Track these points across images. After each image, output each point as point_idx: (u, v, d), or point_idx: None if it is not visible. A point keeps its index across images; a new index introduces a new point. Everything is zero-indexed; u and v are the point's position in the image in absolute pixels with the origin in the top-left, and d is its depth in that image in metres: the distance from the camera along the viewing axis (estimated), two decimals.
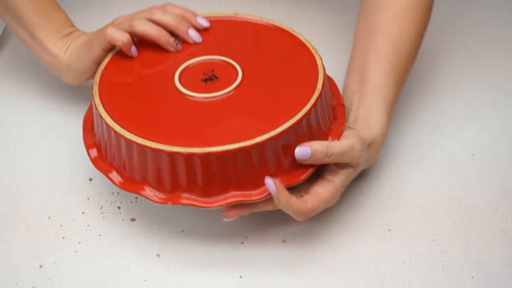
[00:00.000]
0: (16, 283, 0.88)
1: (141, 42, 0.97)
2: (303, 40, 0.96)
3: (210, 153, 0.83)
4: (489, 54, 1.13)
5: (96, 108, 0.90)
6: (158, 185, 0.87)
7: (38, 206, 0.95)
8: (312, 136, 0.88)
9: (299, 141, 0.86)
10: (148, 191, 0.87)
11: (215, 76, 0.92)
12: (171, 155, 0.84)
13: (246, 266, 0.90)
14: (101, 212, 0.95)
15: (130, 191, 0.87)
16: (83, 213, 0.94)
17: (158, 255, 0.91)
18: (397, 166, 0.99)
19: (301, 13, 1.19)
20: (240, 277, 0.89)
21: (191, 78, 0.92)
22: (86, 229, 0.93)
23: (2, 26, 1.13)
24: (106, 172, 0.89)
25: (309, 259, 0.90)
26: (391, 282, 0.88)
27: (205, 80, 0.92)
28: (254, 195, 0.86)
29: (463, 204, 0.95)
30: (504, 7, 1.20)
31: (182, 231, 0.93)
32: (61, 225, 0.93)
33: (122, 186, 0.88)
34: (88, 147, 0.92)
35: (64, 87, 1.08)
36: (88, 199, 0.96)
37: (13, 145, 1.02)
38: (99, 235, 0.92)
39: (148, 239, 0.92)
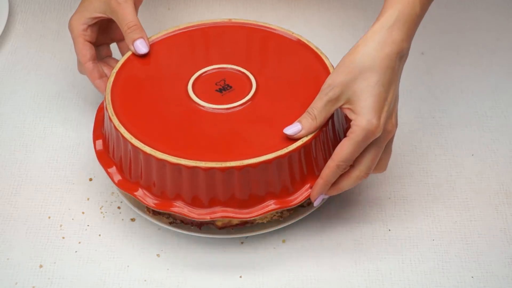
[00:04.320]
0: (16, 283, 0.88)
1: (139, 57, 0.96)
2: (305, 41, 0.97)
3: (248, 165, 0.84)
4: (489, 54, 1.13)
5: (117, 129, 0.88)
6: (194, 201, 0.87)
7: (38, 206, 0.95)
8: (335, 135, 0.90)
9: (326, 144, 0.88)
10: (184, 209, 0.87)
11: (228, 85, 0.92)
12: (207, 170, 0.84)
13: (246, 266, 0.90)
14: (101, 212, 0.95)
15: (165, 210, 0.87)
16: (83, 213, 0.94)
17: (158, 255, 0.91)
18: (397, 166, 0.99)
19: (301, 12, 1.19)
20: (240, 277, 0.89)
21: (205, 89, 0.92)
22: (86, 229, 0.93)
23: (2, 26, 1.13)
24: (132, 191, 0.88)
25: (309, 259, 0.90)
26: (391, 282, 0.88)
27: (220, 91, 0.92)
28: (292, 200, 0.88)
29: (463, 204, 0.95)
30: (504, 7, 1.20)
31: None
32: (61, 225, 0.93)
33: (157, 206, 0.87)
34: (106, 166, 0.91)
35: (64, 87, 1.08)
36: (88, 199, 0.96)
37: (13, 145, 1.02)
38: (99, 235, 0.92)
39: (148, 239, 0.92)
